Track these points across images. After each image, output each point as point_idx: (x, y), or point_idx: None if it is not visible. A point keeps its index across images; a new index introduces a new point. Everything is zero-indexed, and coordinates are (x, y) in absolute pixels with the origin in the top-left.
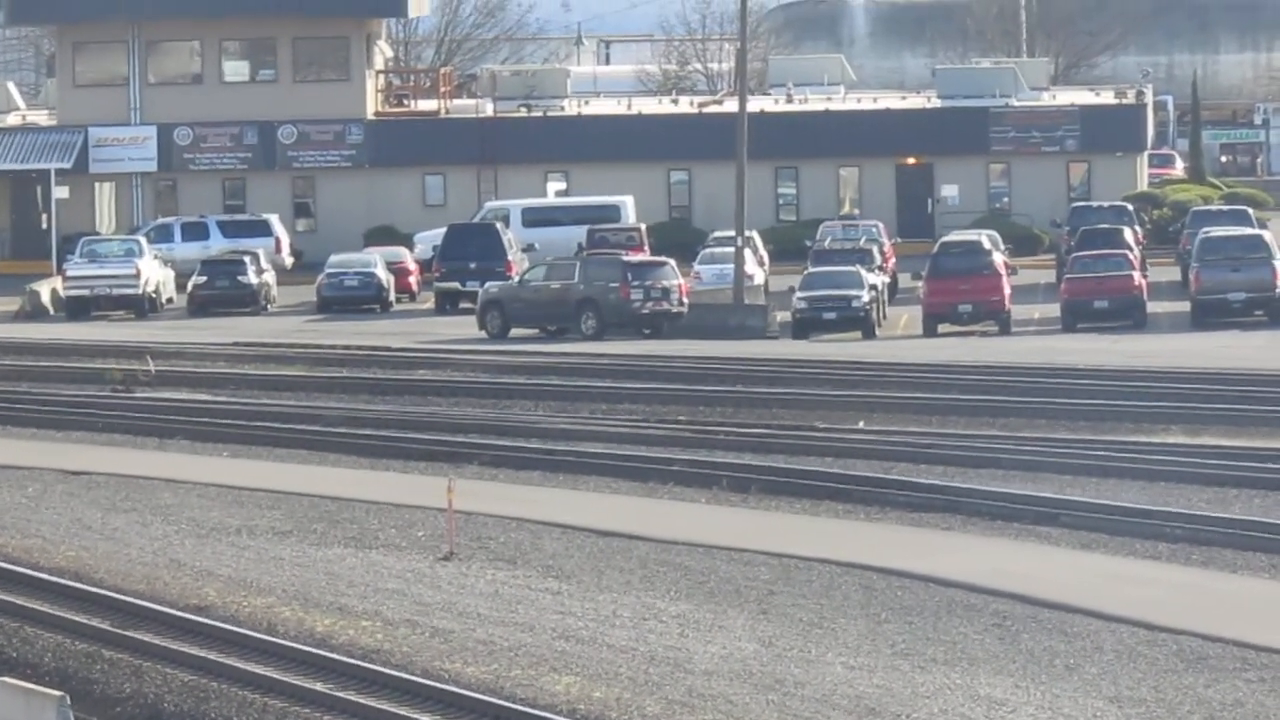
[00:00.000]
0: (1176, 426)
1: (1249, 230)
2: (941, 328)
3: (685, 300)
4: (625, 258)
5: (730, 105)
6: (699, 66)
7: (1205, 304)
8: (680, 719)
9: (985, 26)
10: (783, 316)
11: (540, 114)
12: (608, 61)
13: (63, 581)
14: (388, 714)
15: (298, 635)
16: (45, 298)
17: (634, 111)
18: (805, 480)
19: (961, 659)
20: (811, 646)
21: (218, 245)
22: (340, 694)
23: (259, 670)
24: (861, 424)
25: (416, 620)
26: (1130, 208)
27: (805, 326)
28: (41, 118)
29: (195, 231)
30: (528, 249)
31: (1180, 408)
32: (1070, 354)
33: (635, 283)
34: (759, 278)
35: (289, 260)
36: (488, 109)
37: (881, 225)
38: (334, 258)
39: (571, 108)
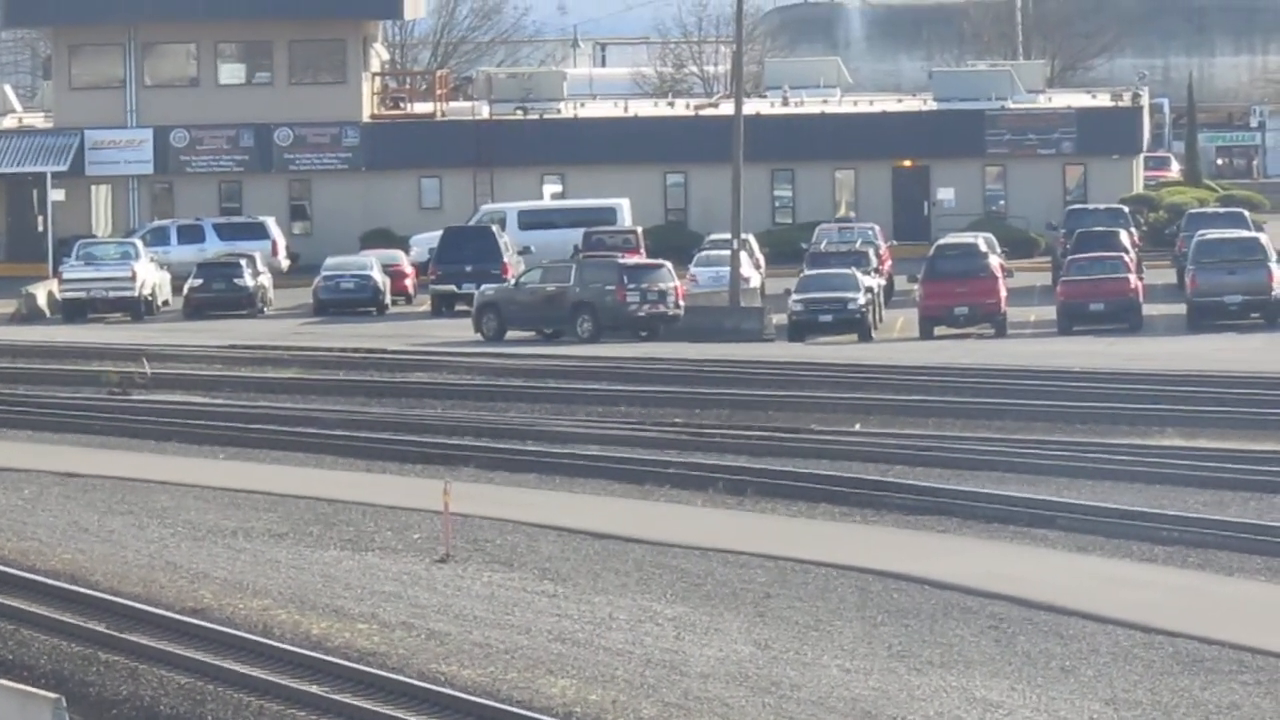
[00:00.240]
0: (1172, 429)
1: (1245, 233)
2: (938, 330)
3: (681, 303)
4: (621, 260)
5: (726, 108)
6: (695, 69)
7: (1201, 306)
8: None
9: (981, 29)
10: (779, 319)
11: (536, 117)
12: (604, 64)
13: (59, 584)
14: (384, 716)
15: (294, 638)
16: (41, 300)
17: (630, 114)
18: (801, 483)
19: (957, 661)
20: (807, 649)
21: (214, 248)
22: (336, 696)
23: (255, 673)
24: (858, 426)
25: (412, 623)
26: (1126, 210)
27: (801, 329)
28: (37, 120)
29: (191, 234)
30: (524, 251)
31: (1176, 410)
32: (1066, 356)
33: (631, 285)
34: (755, 280)
35: (285, 263)
36: (484, 111)
37: (877, 228)
38: (330, 260)
39: (567, 110)
